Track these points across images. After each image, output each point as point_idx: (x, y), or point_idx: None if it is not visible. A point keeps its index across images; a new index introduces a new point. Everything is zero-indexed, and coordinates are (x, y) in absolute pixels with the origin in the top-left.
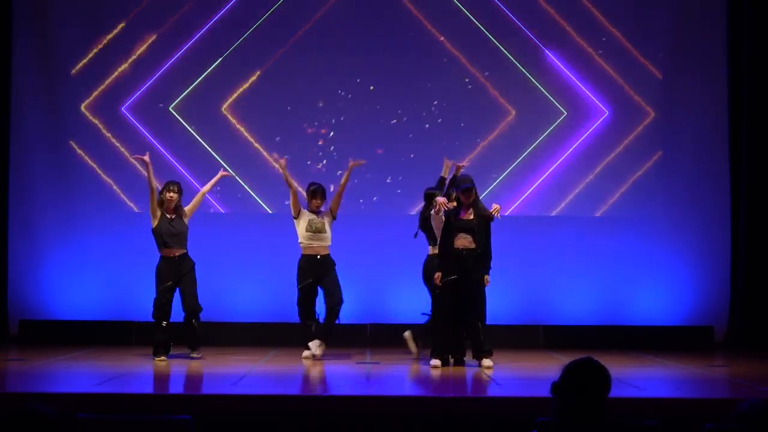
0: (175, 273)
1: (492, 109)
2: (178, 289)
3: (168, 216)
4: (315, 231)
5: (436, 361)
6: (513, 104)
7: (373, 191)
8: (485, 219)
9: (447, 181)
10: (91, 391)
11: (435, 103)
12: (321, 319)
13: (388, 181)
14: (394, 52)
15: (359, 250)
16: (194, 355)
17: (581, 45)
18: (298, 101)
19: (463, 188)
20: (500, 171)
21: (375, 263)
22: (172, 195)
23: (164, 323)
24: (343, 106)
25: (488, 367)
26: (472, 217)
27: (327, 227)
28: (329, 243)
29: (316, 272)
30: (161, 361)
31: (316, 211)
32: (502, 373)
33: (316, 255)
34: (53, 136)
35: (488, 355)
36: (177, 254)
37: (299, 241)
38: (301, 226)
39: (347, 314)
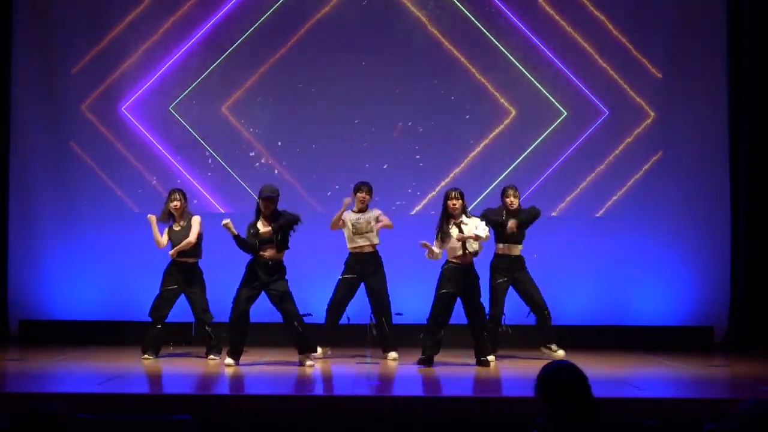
0: (182, 279)
1: (492, 109)
2: (184, 296)
3: (175, 225)
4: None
5: None
6: (513, 104)
7: (373, 191)
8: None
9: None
10: (91, 391)
11: (435, 103)
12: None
13: (388, 181)
14: (394, 52)
15: None
16: (212, 357)
17: (581, 45)
18: (298, 101)
19: (265, 197)
20: (500, 171)
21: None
22: (176, 203)
23: (158, 326)
24: (342, 107)
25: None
26: (269, 229)
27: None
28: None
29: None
30: (146, 360)
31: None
32: (502, 373)
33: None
34: (53, 136)
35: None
36: (182, 260)
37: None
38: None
39: (348, 314)
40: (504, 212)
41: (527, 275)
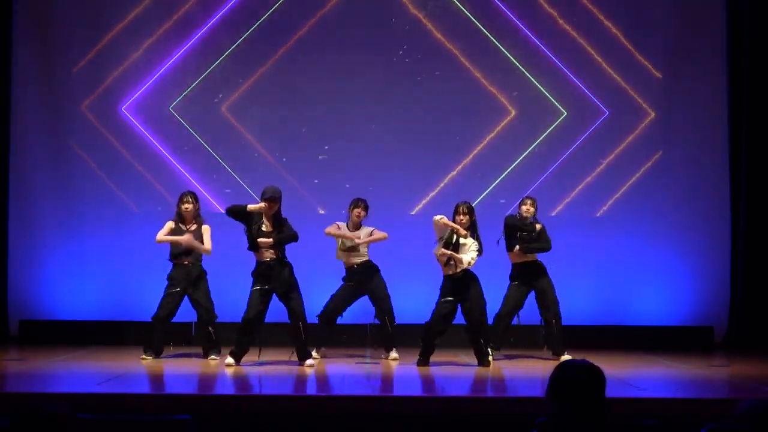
0: (186, 280)
1: (492, 109)
2: (187, 297)
3: (184, 227)
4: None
5: None
6: (513, 104)
7: (373, 192)
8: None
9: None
10: (91, 391)
11: (435, 103)
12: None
13: (388, 181)
14: (393, 53)
15: None
16: (212, 357)
17: (581, 45)
18: (298, 101)
19: (267, 198)
20: (500, 171)
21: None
22: (187, 206)
23: (159, 326)
24: (343, 107)
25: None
26: (270, 240)
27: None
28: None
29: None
30: (144, 360)
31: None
32: (502, 373)
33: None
34: (53, 136)
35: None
36: (186, 262)
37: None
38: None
39: (348, 314)
40: (526, 221)
41: (547, 281)
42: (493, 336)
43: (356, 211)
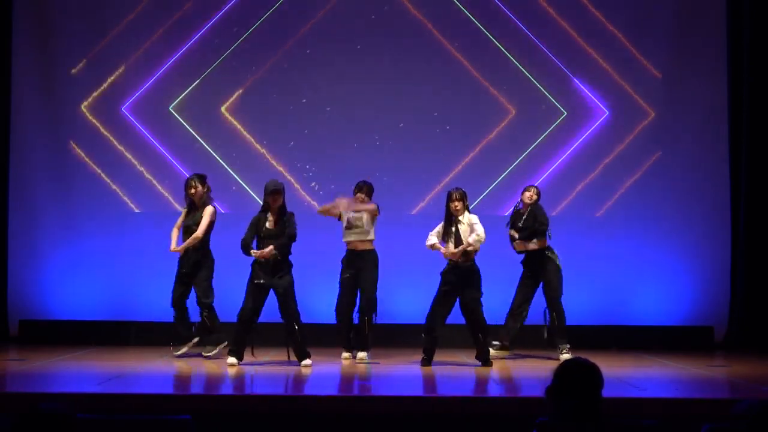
0: (186, 264)
1: (492, 109)
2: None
3: (195, 212)
4: (351, 226)
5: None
6: (513, 104)
7: (373, 192)
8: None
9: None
10: (91, 391)
11: (435, 103)
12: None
13: (388, 181)
14: (394, 52)
15: None
16: (206, 353)
17: (581, 45)
18: (298, 101)
19: (271, 191)
20: (500, 171)
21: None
22: (192, 190)
23: (176, 313)
24: (343, 107)
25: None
26: (275, 225)
27: (365, 223)
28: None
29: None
30: (175, 352)
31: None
32: (503, 373)
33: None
34: (53, 136)
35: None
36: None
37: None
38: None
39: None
40: (525, 209)
41: (547, 272)
42: (505, 334)
43: (360, 195)
